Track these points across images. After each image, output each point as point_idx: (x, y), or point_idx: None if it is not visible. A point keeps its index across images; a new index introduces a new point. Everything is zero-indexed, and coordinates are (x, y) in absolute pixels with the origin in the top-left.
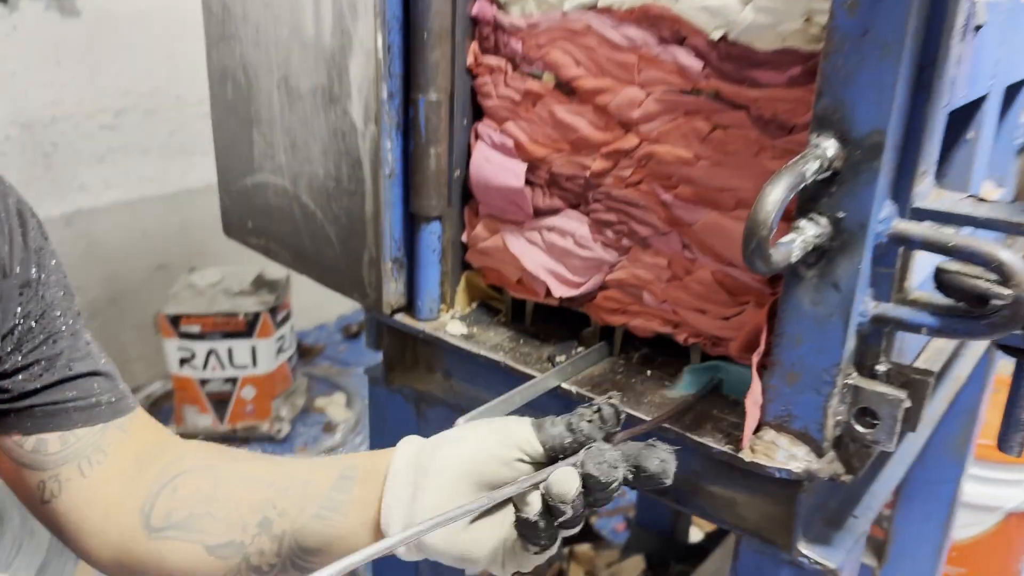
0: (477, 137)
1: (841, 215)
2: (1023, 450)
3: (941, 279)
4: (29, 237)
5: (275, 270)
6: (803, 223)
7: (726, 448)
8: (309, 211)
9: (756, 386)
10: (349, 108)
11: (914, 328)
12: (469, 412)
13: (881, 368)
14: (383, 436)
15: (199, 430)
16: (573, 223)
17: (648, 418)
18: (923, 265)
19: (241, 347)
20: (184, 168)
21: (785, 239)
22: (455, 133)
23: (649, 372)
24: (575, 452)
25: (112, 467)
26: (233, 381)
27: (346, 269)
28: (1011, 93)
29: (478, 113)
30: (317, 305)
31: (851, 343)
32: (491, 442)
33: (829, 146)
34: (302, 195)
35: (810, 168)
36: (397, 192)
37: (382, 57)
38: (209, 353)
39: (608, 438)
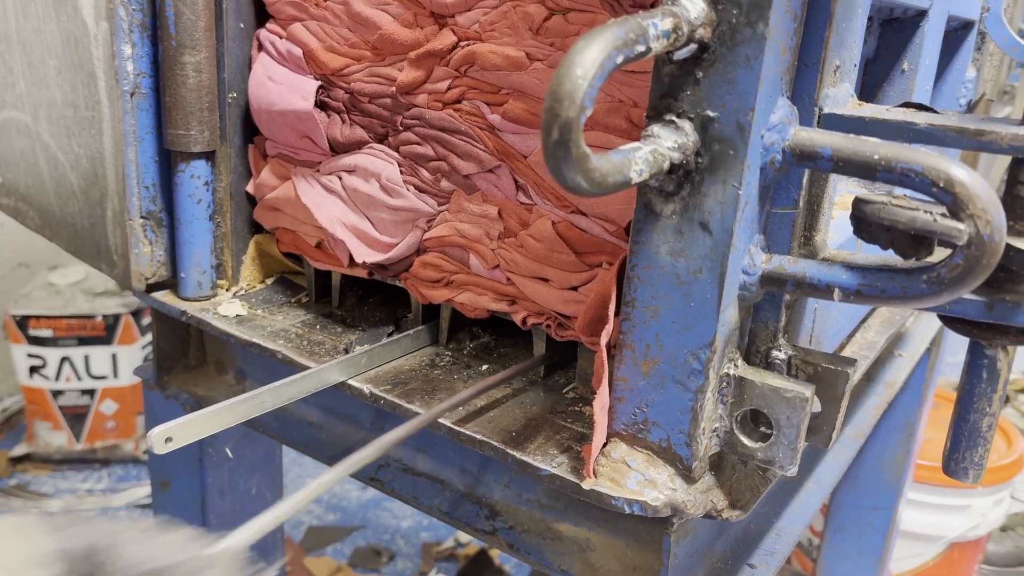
0: (260, 48)
1: (711, 114)
2: (976, 473)
3: (862, 216)
4: None
5: None
6: (656, 129)
7: (561, 472)
8: (51, 152)
9: (604, 383)
10: (79, 2)
11: (822, 290)
12: (167, 423)
13: (779, 355)
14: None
15: (52, 450)
16: (380, 161)
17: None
18: (843, 223)
19: (100, 355)
20: None
21: (624, 147)
22: (226, 39)
23: (484, 367)
24: None
25: None
26: (91, 393)
27: (90, 229)
28: (957, 40)
29: (263, 17)
30: None
31: (730, 314)
32: None
33: (690, 3)
34: (43, 131)
35: (657, 25)
36: (146, 120)
37: None
38: (62, 361)
39: None
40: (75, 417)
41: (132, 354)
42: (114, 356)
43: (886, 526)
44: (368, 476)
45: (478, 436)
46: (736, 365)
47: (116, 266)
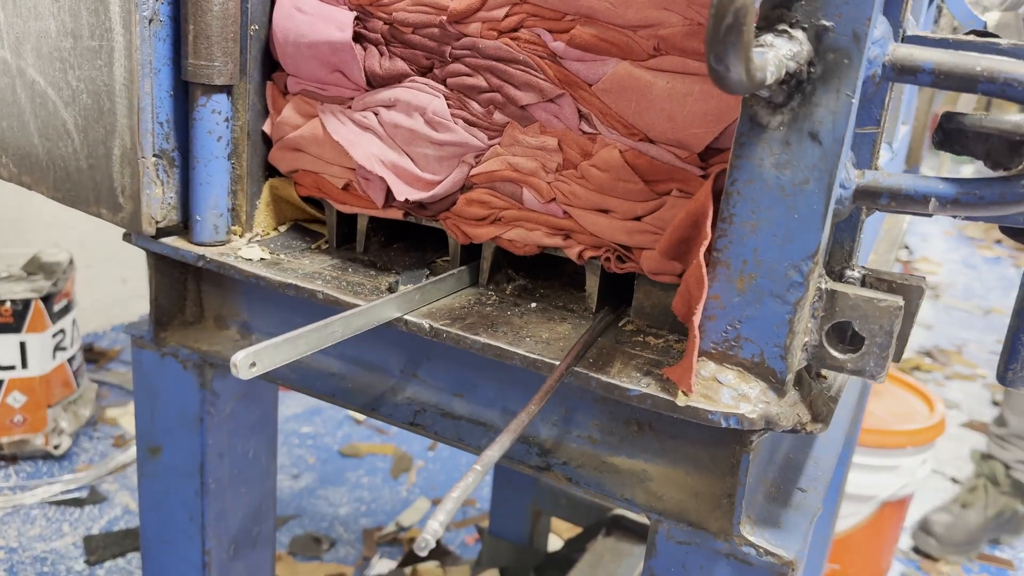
0: None
1: (826, 23)
2: None
3: (957, 128)
4: None
5: (55, 252)
6: (771, 38)
7: (651, 391)
8: (39, 89)
9: (704, 291)
10: None
11: (918, 201)
12: (249, 347)
13: (854, 275)
14: (155, 418)
15: None
16: (424, 95)
17: (555, 360)
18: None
19: (7, 343)
20: None
21: (756, 48)
22: None
23: (533, 304)
24: None
25: None
26: None
27: (89, 171)
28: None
29: None
30: (116, 302)
31: (828, 226)
32: None
33: None
34: (29, 67)
35: None
36: (163, 50)
37: None
38: None
39: None
40: None
41: (43, 342)
42: (23, 344)
43: (839, 485)
44: (407, 421)
45: (575, 367)
46: (825, 280)
47: (122, 209)
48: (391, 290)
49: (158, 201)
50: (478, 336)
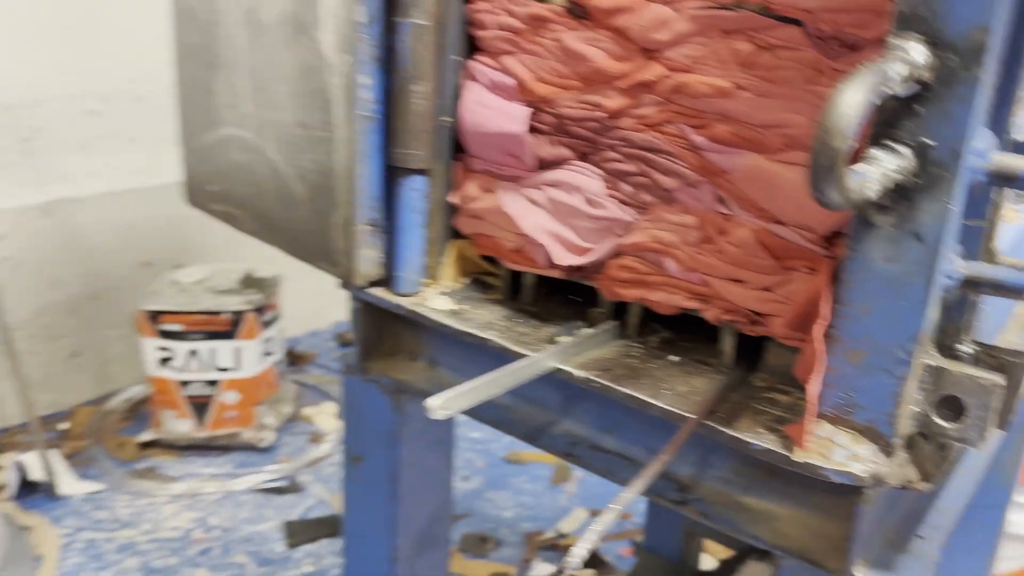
0: (468, 77)
1: (929, 143)
2: None
3: None
4: None
5: (265, 268)
6: (879, 153)
7: (772, 446)
8: (276, 166)
9: (821, 364)
10: (319, 36)
11: (1016, 291)
12: (440, 393)
13: (965, 349)
14: (359, 432)
15: (177, 436)
16: (583, 177)
17: (688, 413)
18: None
19: (224, 348)
20: (174, 159)
21: (858, 167)
22: (444, 70)
23: (673, 357)
24: None
25: None
26: (215, 384)
27: (315, 234)
28: None
29: (471, 49)
30: (313, 311)
31: (933, 312)
32: None
33: (915, 50)
34: (268, 148)
35: (895, 70)
36: (375, 140)
37: None
38: (190, 354)
39: None
40: (199, 406)
41: (254, 348)
42: (237, 350)
43: (996, 525)
44: (563, 452)
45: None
46: (932, 356)
47: (339, 265)
48: (551, 342)
49: (368, 260)
50: (623, 387)
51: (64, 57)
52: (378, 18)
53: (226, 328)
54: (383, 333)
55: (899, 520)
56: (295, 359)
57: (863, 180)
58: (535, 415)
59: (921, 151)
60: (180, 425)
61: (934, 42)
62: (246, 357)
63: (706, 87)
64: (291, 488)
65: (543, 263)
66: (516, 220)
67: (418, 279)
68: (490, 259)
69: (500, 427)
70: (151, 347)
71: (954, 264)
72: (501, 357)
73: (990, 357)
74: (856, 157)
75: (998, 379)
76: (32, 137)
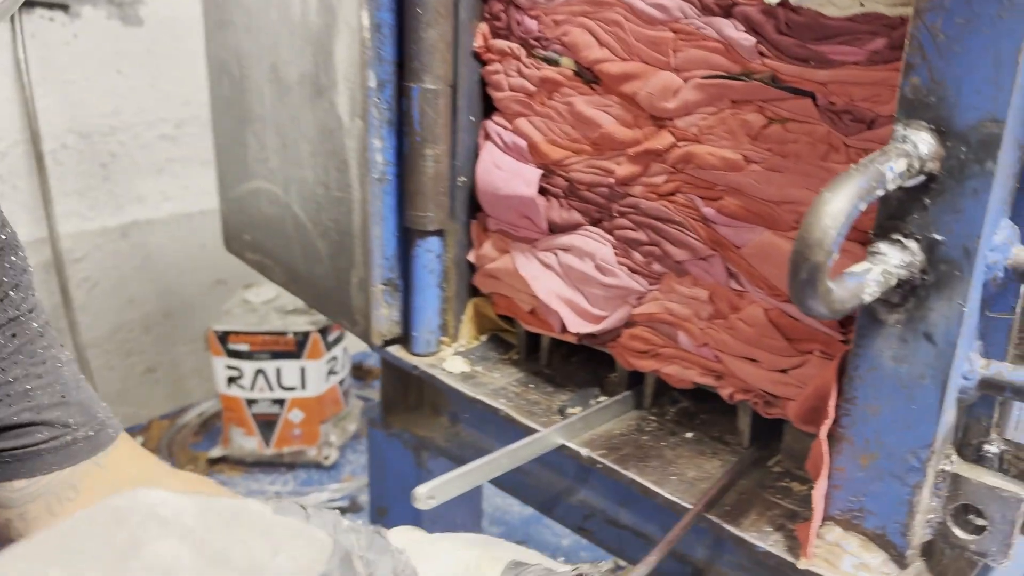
0: (487, 137)
1: (938, 238)
2: None
3: None
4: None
5: None
6: (884, 247)
7: (776, 550)
8: (300, 222)
9: (824, 470)
10: (335, 100)
11: None
12: (428, 482)
13: (992, 449)
14: (383, 485)
15: (245, 453)
16: (594, 243)
17: (686, 503)
18: None
19: (290, 368)
20: None
21: (856, 268)
22: (459, 131)
23: (688, 434)
24: None
25: (84, 505)
26: (281, 403)
27: (335, 291)
28: None
29: (489, 109)
30: None
31: (949, 416)
32: None
33: (921, 140)
34: (293, 203)
35: (893, 169)
36: (389, 201)
37: (368, 37)
38: (257, 373)
39: None
40: (266, 424)
41: (318, 368)
42: (303, 369)
43: None
44: (576, 525)
45: (706, 514)
46: (951, 461)
47: (358, 324)
48: (562, 412)
49: (384, 319)
50: (627, 471)
51: (140, 87)
52: (390, 82)
53: (292, 348)
54: (407, 386)
55: None
56: (362, 374)
57: (859, 284)
58: (552, 480)
59: (930, 247)
60: (247, 442)
61: (942, 132)
62: (311, 377)
63: (715, 159)
64: (352, 508)
65: (557, 328)
66: (530, 283)
67: (435, 338)
68: (506, 317)
69: (516, 494)
70: (220, 366)
71: (973, 364)
72: (512, 425)
73: (1018, 459)
74: (863, 253)
75: (1020, 491)
76: (109, 163)
